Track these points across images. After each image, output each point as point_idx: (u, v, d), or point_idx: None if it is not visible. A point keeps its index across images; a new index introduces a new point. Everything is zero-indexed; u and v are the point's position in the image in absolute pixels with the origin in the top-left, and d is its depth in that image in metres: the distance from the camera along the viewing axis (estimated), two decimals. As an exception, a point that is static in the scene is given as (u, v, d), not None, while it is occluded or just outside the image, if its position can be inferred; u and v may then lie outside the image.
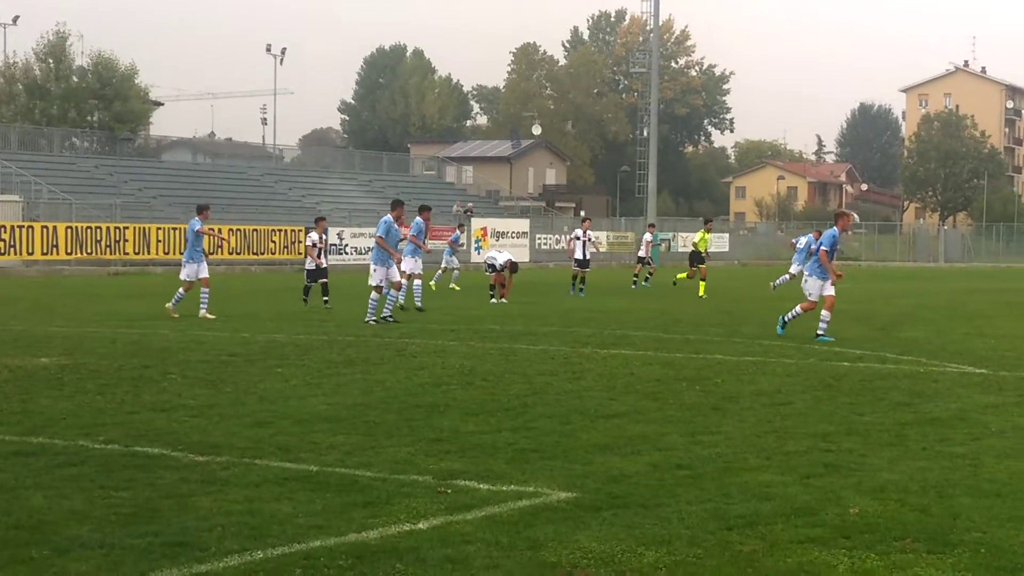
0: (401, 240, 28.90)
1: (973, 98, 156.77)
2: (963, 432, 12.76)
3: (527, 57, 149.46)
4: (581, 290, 39.45)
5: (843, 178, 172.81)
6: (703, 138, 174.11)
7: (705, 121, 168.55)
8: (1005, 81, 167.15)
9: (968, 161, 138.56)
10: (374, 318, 26.22)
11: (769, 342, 22.77)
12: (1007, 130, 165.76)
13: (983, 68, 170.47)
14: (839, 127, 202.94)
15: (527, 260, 73.72)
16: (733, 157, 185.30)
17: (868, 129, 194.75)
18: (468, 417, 13.48)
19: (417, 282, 30.69)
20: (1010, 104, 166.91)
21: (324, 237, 34.12)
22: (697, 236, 42.85)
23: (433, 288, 40.44)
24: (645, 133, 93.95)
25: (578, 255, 40.14)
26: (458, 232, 44.27)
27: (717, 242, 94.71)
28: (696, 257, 42.32)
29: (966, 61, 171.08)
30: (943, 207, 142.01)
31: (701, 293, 38.72)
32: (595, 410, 14.05)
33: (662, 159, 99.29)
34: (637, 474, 10.49)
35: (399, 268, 27.67)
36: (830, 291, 23.49)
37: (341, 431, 12.49)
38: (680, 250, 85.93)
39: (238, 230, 63.45)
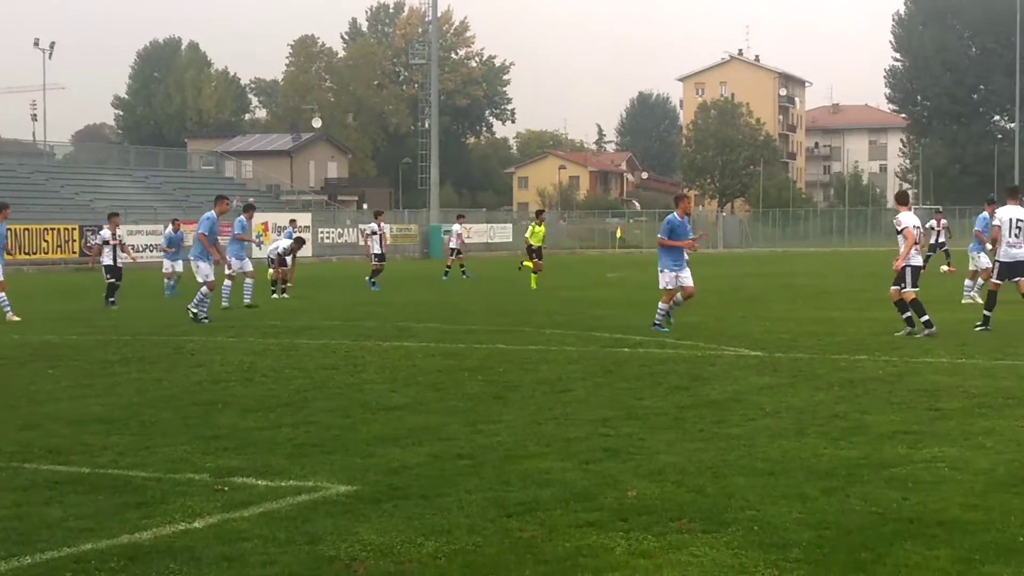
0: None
1: (748, 86, 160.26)
2: (739, 414, 12.99)
3: (305, 49, 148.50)
4: (374, 283, 39.17)
5: (624, 167, 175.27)
6: (485, 129, 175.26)
7: (487, 112, 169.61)
8: (778, 69, 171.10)
9: (744, 148, 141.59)
10: (204, 314, 25.50)
11: (551, 331, 22.92)
12: (781, 117, 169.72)
13: (756, 56, 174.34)
14: (619, 116, 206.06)
15: (310, 255, 73.27)
16: (515, 147, 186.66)
17: (647, 118, 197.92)
18: (247, 413, 13.31)
19: (249, 280, 30.15)
20: (783, 91, 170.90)
21: (118, 234, 33.69)
22: (528, 231, 42.33)
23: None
24: (426, 125, 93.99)
25: (376, 250, 40.17)
26: (291, 228, 43.59)
27: (501, 232, 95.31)
28: (532, 249, 41.18)
29: (740, 50, 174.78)
30: (721, 194, 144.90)
31: (533, 285, 38.62)
32: (376, 403, 13.97)
33: (444, 151, 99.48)
34: (418, 465, 10.46)
35: (226, 269, 27.29)
36: (688, 281, 22.71)
37: (115, 432, 12.21)
38: (467, 241, 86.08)
39: (9, 229, 61.69)
